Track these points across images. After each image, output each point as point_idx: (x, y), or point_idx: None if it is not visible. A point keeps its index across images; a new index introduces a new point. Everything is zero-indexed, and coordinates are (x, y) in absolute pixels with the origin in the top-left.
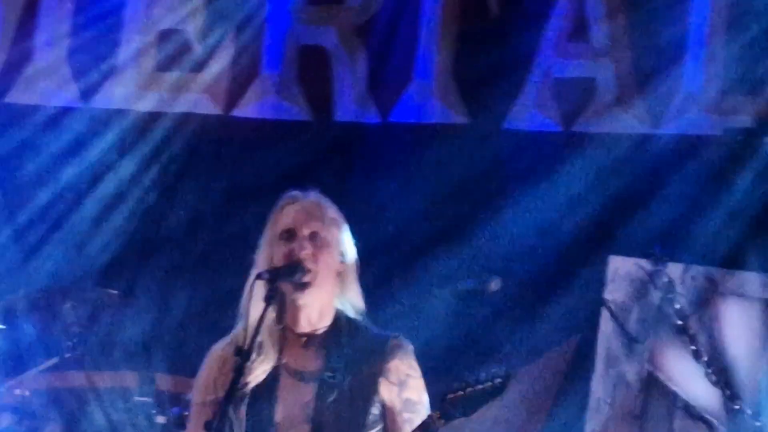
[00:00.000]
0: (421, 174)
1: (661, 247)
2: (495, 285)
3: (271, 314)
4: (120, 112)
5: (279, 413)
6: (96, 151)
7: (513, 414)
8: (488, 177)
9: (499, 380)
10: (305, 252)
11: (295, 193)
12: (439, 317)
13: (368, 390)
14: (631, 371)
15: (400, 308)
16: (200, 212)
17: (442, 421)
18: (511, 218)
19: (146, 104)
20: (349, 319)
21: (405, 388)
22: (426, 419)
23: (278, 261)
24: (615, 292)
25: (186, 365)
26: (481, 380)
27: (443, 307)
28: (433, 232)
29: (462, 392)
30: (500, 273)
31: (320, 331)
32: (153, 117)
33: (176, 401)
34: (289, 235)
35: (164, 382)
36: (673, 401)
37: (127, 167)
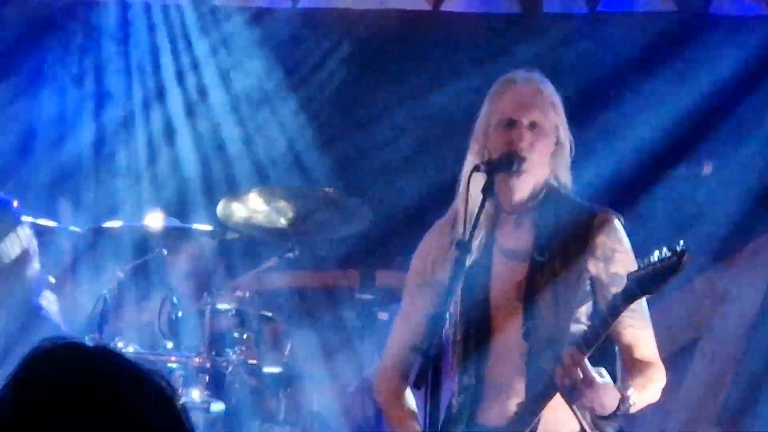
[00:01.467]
0: (630, 62)
1: None
2: (708, 168)
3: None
4: (327, 12)
5: (493, 294)
6: (303, 51)
7: (729, 296)
8: (697, 63)
9: (674, 258)
10: (524, 143)
11: (514, 75)
12: (654, 200)
13: (577, 267)
14: None
15: (614, 191)
16: (410, 107)
17: (626, 301)
18: (720, 107)
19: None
20: (558, 195)
21: (611, 263)
22: (610, 299)
23: (495, 148)
24: None
25: (405, 261)
26: (657, 259)
27: (658, 189)
28: (643, 118)
29: (642, 270)
30: (713, 156)
31: (530, 208)
32: (361, 14)
33: (398, 297)
34: (509, 123)
35: (385, 278)
36: None
37: (333, 65)
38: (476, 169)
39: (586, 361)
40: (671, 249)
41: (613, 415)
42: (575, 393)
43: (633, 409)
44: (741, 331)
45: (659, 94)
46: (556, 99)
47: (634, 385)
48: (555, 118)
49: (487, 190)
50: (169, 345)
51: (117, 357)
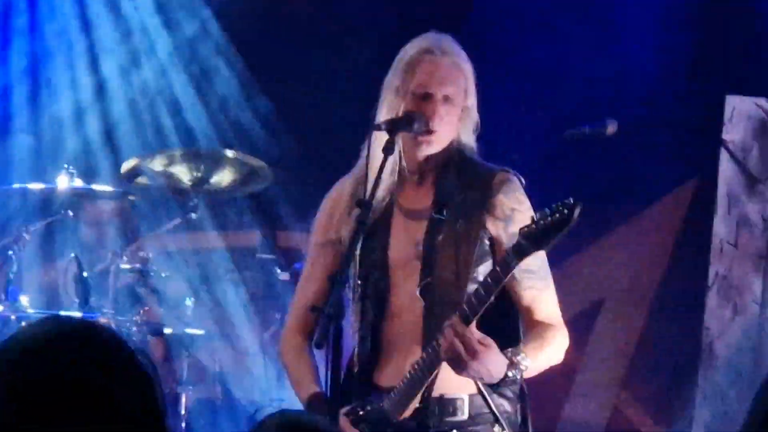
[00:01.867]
0: (538, 16)
1: None
2: (612, 128)
3: (393, 157)
4: None
5: (392, 252)
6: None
7: (634, 258)
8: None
9: (565, 210)
10: (437, 116)
11: (428, 43)
12: (556, 161)
13: (476, 226)
14: (753, 211)
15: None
16: (323, 66)
17: (517, 257)
18: (623, 59)
19: None
20: (460, 155)
21: (510, 223)
22: (501, 256)
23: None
24: (733, 132)
25: (306, 222)
26: (548, 213)
27: (560, 150)
28: (550, 72)
29: (534, 225)
30: (616, 116)
31: (432, 168)
32: None
33: (298, 258)
34: (425, 97)
35: (285, 239)
36: None
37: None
38: (377, 128)
39: (469, 331)
40: (562, 203)
41: (503, 382)
42: (460, 364)
43: (527, 374)
44: (647, 293)
45: (561, 53)
46: (469, 67)
47: (526, 349)
48: (466, 87)
49: (387, 149)
50: (74, 305)
51: (102, 334)
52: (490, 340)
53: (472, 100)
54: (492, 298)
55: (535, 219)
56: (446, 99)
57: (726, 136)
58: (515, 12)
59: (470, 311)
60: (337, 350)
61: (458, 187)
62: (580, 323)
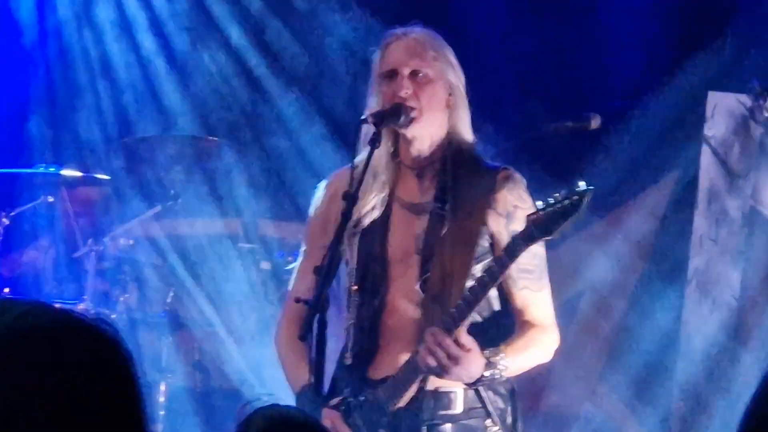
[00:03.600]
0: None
1: (760, 81)
2: (595, 122)
3: (387, 150)
4: None
5: (391, 246)
6: None
7: (615, 251)
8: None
9: (576, 197)
10: (405, 91)
11: (396, 30)
12: (538, 153)
13: (477, 221)
14: (733, 207)
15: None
16: (300, 62)
17: (525, 243)
18: (607, 52)
19: None
20: (460, 150)
21: (512, 220)
22: (509, 241)
23: (384, 102)
24: (715, 127)
25: (289, 211)
26: (559, 198)
27: (541, 144)
28: (531, 67)
29: (542, 212)
30: (599, 109)
31: (431, 162)
32: None
33: (281, 246)
34: (391, 75)
35: (268, 228)
36: None
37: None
38: (364, 121)
39: (449, 340)
40: (572, 189)
41: (479, 381)
42: (441, 370)
43: (507, 373)
44: (626, 286)
45: (546, 42)
46: (442, 49)
47: (508, 350)
48: (441, 68)
49: (374, 142)
50: (53, 291)
51: (48, 308)
52: (473, 344)
53: (458, 85)
54: (484, 295)
55: (544, 206)
56: (414, 74)
57: (707, 131)
58: (496, 4)
59: (459, 315)
60: (321, 342)
61: (460, 181)
62: (559, 315)
